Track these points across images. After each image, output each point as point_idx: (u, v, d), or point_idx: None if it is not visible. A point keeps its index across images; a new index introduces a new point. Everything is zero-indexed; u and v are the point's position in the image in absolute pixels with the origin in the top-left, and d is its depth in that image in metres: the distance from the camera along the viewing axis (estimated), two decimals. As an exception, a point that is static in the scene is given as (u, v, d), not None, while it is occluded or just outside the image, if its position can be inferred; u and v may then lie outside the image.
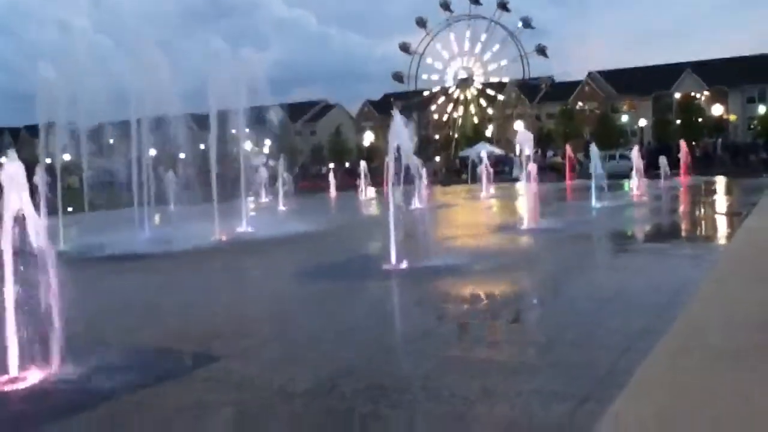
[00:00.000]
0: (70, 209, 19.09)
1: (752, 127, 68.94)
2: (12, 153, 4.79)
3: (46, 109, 14.13)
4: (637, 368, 4.04)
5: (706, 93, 71.02)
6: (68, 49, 14.95)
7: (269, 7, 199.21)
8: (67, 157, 17.00)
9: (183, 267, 10.77)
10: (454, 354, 5.05)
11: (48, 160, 15.53)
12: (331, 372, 4.59)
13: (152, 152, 16.05)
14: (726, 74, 70.82)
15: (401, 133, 9.06)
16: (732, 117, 68.64)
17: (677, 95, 72.48)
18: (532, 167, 14.11)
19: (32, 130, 15.71)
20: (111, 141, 17.21)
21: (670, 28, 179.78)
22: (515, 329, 6.02)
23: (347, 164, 66.03)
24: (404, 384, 4.32)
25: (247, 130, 16.45)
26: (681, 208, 19.33)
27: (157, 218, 16.86)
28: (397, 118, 9.17)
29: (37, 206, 4.76)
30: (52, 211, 14.48)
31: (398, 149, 9.05)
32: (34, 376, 4.55)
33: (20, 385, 4.47)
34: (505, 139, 72.69)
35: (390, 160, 9.19)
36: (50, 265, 4.55)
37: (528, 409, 3.81)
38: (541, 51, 74.05)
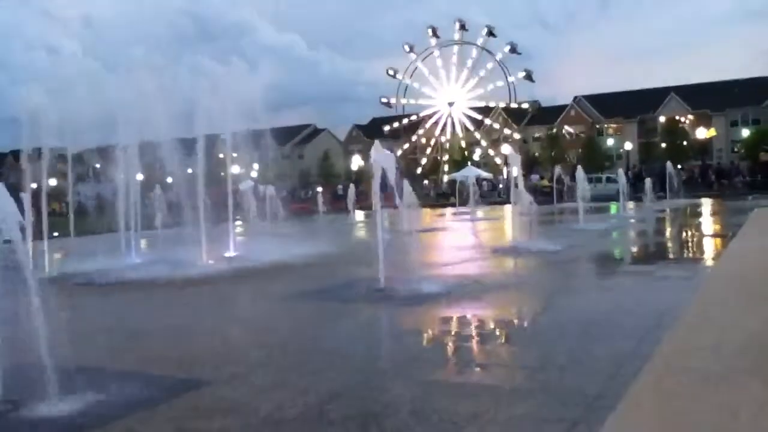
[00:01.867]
0: (56, 234, 18.98)
1: (736, 150, 69.76)
2: None
3: (32, 133, 14.06)
4: (626, 391, 4.03)
5: (690, 116, 71.93)
6: (56, 73, 14.95)
7: (258, 31, 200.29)
8: (53, 182, 16.91)
9: (169, 292, 10.69)
10: (443, 378, 5.03)
11: (34, 185, 15.45)
12: (320, 397, 4.56)
13: (139, 177, 16.00)
14: (709, 98, 71.87)
15: (384, 159, 9.08)
16: (712, 132, 69.25)
17: (662, 119, 73.39)
18: (521, 190, 14.22)
19: (18, 155, 15.61)
20: (98, 165, 17.15)
21: (655, 53, 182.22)
22: (504, 352, 6.01)
23: (339, 187, 65.93)
24: (393, 409, 4.29)
25: (235, 154, 16.44)
26: (667, 231, 19.47)
27: (143, 243, 16.77)
28: (378, 146, 9.19)
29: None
30: (37, 237, 14.40)
31: (384, 174, 9.06)
32: (18, 403, 4.48)
33: (5, 413, 4.39)
34: (492, 162, 73.20)
35: (376, 185, 9.18)
36: (36, 289, 4.50)
37: (518, 433, 3.79)
38: (528, 76, 74.76)
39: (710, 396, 3.83)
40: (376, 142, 9.43)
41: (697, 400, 3.79)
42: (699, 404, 3.73)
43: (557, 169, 38.78)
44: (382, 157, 9.05)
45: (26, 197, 14.96)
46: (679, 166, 45.14)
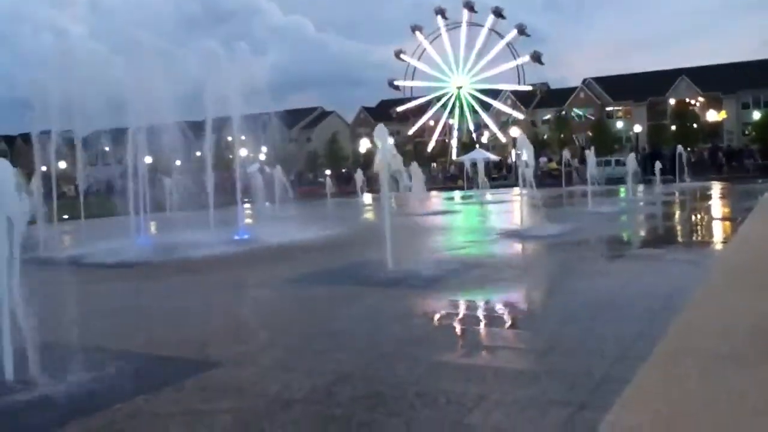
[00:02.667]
0: (65, 217, 19.08)
1: (747, 132, 69.26)
2: None
3: (42, 116, 14.09)
4: (635, 374, 4.03)
5: (700, 99, 71.40)
6: (64, 56, 14.90)
7: (266, 13, 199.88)
8: (62, 165, 16.97)
9: (177, 274, 10.74)
10: (449, 360, 5.04)
11: (44, 168, 15.51)
12: (328, 379, 4.58)
13: (148, 159, 16.02)
14: (720, 80, 71.27)
15: (387, 145, 9.07)
16: (722, 115, 68.86)
17: (672, 101, 72.87)
18: (529, 173, 14.16)
19: (28, 138, 15.66)
20: (107, 148, 17.18)
21: (666, 35, 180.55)
22: (511, 335, 6.01)
23: (344, 170, 66.03)
24: (400, 391, 4.31)
25: (243, 137, 16.44)
26: (676, 214, 19.38)
27: (153, 226, 16.83)
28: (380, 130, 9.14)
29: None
30: (48, 219, 14.49)
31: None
32: (27, 384, 4.51)
33: (16, 394, 4.43)
34: (500, 145, 72.94)
35: (382, 169, 9.14)
36: (45, 272, 4.52)
37: (524, 416, 3.80)
38: (537, 58, 74.22)
39: (719, 378, 3.83)
40: (379, 125, 9.38)
41: (706, 382, 3.79)
42: (708, 387, 3.73)
43: (565, 152, 38.61)
44: (381, 134, 9.03)
45: (35, 180, 15.05)
46: (688, 149, 44.89)
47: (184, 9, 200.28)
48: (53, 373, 4.56)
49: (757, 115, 68.86)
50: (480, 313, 6.90)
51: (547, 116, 79.96)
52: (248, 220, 18.62)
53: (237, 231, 15.18)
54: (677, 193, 26.71)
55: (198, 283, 9.79)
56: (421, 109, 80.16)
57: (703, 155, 52.05)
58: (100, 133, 17.55)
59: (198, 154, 16.13)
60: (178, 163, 17.27)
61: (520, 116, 75.19)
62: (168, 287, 9.60)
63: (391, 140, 9.20)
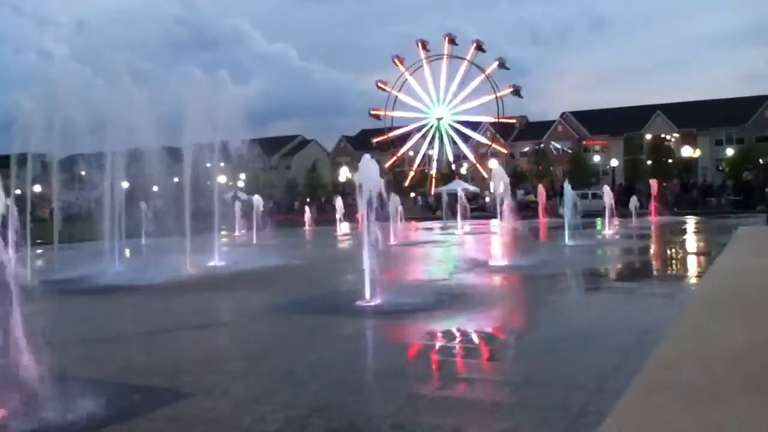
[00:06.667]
0: (39, 241, 18.81)
1: (720, 168, 70.48)
2: None
3: (17, 138, 13.95)
4: (611, 407, 4.01)
5: (675, 135, 72.65)
6: (45, 78, 14.81)
7: (250, 41, 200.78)
8: (37, 188, 16.78)
9: (151, 300, 10.60)
10: (426, 392, 4.99)
11: (18, 191, 15.31)
12: (303, 410, 4.51)
13: (125, 185, 15.89)
14: (695, 117, 72.59)
15: (372, 174, 9.04)
16: (696, 152, 70.18)
17: (648, 136, 74.05)
18: (507, 205, 14.25)
19: (2, 160, 15.48)
20: (83, 172, 17.02)
21: (643, 71, 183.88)
22: (487, 367, 5.98)
23: (323, 199, 66.07)
24: (376, 423, 4.25)
25: (222, 164, 16.39)
26: (652, 248, 19.55)
27: (128, 251, 16.64)
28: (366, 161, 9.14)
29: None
30: (21, 243, 14.29)
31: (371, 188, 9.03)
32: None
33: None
34: (479, 176, 73.37)
35: (360, 198, 9.09)
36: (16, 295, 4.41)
37: (501, 449, 3.77)
38: (516, 91, 75.01)
39: (697, 411, 3.83)
40: (366, 155, 9.39)
41: (683, 415, 3.78)
42: (686, 419, 3.72)
43: (540, 186, 38.87)
44: (368, 166, 9.02)
45: (10, 202, 14.86)
46: (664, 184, 45.50)
47: (170, 34, 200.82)
48: (19, 400, 4.43)
49: (730, 151, 70.19)
50: (457, 345, 6.87)
51: (526, 149, 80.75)
52: (225, 248, 18.47)
53: (213, 258, 15.06)
54: (653, 227, 26.99)
55: (172, 311, 9.65)
56: (401, 140, 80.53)
57: (678, 190, 52.72)
58: (76, 157, 17.40)
59: (176, 179, 16.01)
60: (155, 188, 17.15)
61: (504, 150, 75.40)
62: (140, 314, 9.46)
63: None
